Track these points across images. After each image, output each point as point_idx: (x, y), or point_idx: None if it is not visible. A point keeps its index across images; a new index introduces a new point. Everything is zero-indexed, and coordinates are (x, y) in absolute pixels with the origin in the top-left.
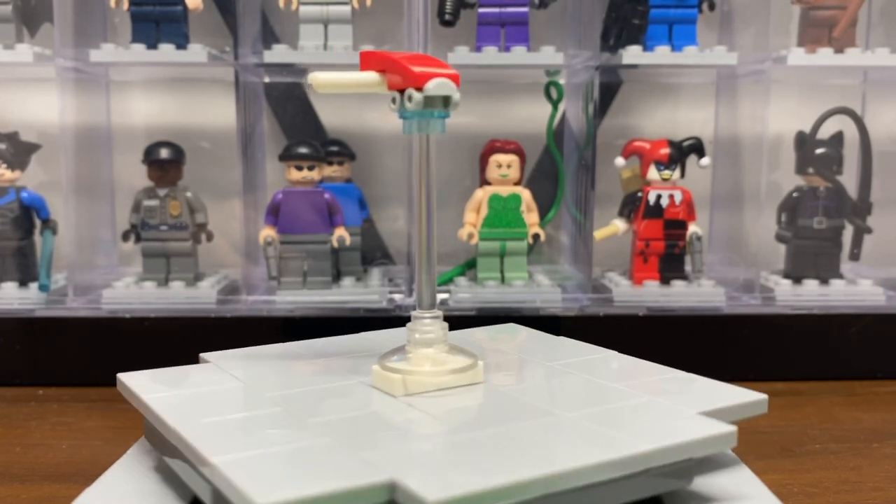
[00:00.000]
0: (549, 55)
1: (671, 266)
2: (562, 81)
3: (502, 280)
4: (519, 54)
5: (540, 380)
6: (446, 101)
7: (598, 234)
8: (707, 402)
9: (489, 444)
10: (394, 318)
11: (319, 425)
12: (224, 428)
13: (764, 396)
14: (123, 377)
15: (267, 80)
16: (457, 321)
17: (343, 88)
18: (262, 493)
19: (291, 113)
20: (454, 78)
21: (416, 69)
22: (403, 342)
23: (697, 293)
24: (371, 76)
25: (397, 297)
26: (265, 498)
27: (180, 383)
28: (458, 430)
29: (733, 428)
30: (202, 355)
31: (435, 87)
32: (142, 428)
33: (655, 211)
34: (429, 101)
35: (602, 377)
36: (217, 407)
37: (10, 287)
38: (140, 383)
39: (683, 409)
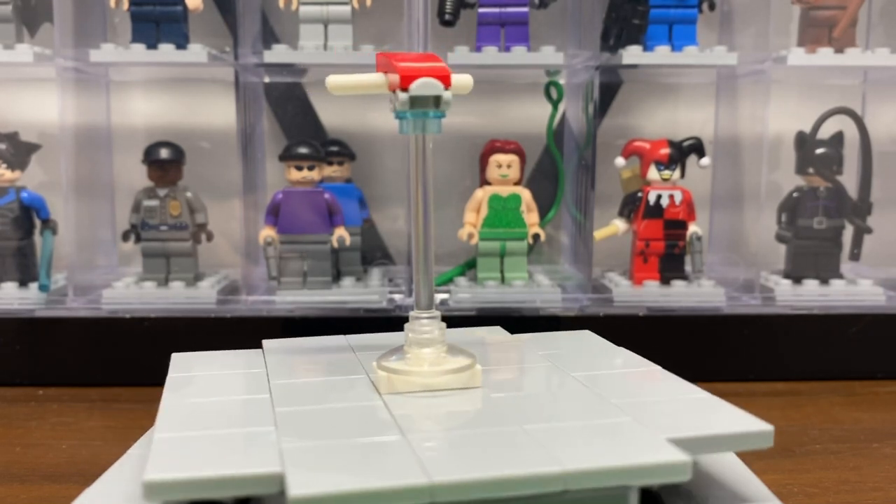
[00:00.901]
0: (549, 55)
1: (671, 266)
2: (562, 81)
3: (502, 280)
4: (519, 54)
5: (534, 388)
6: (438, 100)
7: (598, 234)
8: (698, 428)
9: (409, 448)
10: (394, 319)
11: (281, 415)
12: (198, 409)
13: (769, 428)
14: (175, 357)
15: (267, 80)
16: (457, 321)
17: (354, 90)
18: (156, 471)
19: (291, 113)
20: (443, 77)
21: (403, 68)
22: (462, 341)
23: (697, 293)
24: (378, 78)
25: (397, 297)
26: (154, 475)
27: (211, 365)
28: (402, 431)
29: (686, 459)
30: (264, 342)
31: (418, 87)
32: (143, 428)
33: (655, 211)
34: (418, 102)
35: (604, 390)
36: (217, 390)
37: (10, 287)
38: (179, 362)
39: (654, 432)
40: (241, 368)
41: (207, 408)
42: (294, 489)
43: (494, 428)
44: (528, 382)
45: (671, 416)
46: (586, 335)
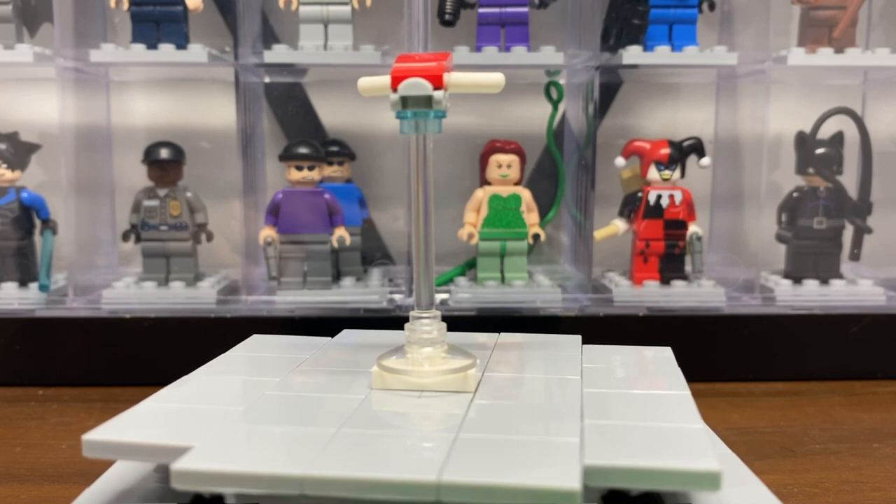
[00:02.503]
0: (549, 55)
1: (671, 266)
2: (562, 81)
3: (502, 280)
4: (519, 54)
5: (524, 399)
6: (430, 100)
7: (598, 234)
8: (638, 459)
9: (322, 441)
10: (394, 319)
11: (261, 398)
12: (205, 384)
13: (716, 471)
14: (255, 336)
15: (267, 80)
16: (457, 321)
17: (379, 91)
18: (99, 432)
19: (291, 113)
20: (433, 77)
21: (394, 69)
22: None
23: (697, 293)
24: None
25: (397, 297)
26: (91, 435)
27: (267, 347)
28: (342, 426)
29: (572, 488)
30: (344, 331)
31: (405, 87)
32: None
33: (655, 211)
34: (410, 102)
35: (595, 410)
36: (243, 369)
37: (10, 287)
38: (251, 342)
39: (574, 458)
40: (291, 353)
41: (213, 384)
42: (180, 462)
43: (430, 433)
44: (524, 392)
45: (629, 444)
46: (662, 353)
